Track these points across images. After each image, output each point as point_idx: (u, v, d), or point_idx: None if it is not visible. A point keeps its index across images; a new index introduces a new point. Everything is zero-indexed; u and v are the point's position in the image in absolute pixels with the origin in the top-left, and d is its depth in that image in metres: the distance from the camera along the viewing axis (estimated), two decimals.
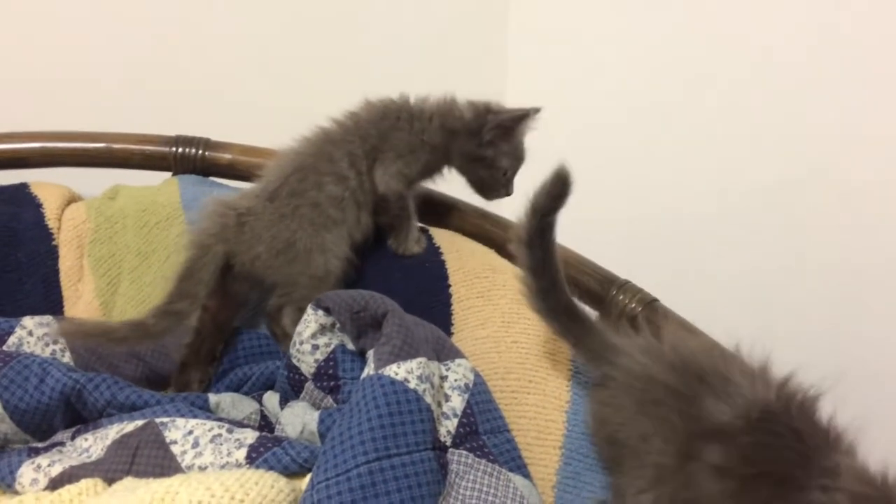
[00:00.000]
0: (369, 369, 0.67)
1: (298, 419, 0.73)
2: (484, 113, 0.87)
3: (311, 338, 0.75)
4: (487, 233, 0.95)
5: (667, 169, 1.24)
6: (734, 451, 0.59)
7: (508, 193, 0.90)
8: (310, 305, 0.75)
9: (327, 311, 0.75)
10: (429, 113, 0.88)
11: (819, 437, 0.60)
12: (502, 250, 0.92)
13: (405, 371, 0.65)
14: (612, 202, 1.26)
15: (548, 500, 0.69)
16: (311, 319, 0.75)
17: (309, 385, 0.75)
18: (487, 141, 0.87)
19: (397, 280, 0.88)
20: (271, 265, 0.82)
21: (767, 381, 0.64)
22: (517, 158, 0.89)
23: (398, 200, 0.88)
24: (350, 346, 0.75)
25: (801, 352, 1.00)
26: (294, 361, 0.76)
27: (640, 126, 1.27)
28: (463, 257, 0.88)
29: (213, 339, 0.85)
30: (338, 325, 0.75)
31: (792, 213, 1.08)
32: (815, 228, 1.06)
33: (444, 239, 0.91)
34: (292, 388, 0.77)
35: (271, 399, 0.79)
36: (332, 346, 0.76)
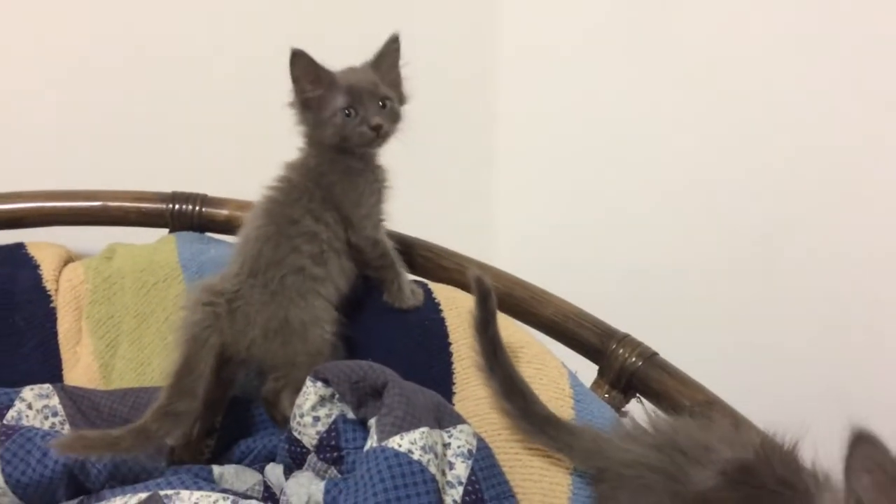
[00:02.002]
0: (372, 441, 0.67)
1: (304, 489, 0.73)
2: None
3: (311, 410, 0.75)
4: None
5: (666, 220, 1.25)
6: None
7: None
8: (308, 377, 0.76)
9: (326, 382, 0.75)
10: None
11: (806, 481, 0.60)
12: (503, 303, 0.92)
13: (409, 442, 0.65)
14: (611, 254, 1.28)
15: None
16: (311, 391, 0.75)
17: (312, 457, 0.75)
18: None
19: (396, 338, 0.88)
20: (267, 348, 0.80)
21: (746, 441, 0.65)
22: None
23: (374, 248, 0.87)
24: (350, 415, 0.75)
25: (802, 403, 1.01)
26: (295, 434, 0.76)
27: (638, 178, 1.29)
28: (463, 314, 0.88)
29: (208, 417, 0.83)
30: (337, 396, 0.75)
31: (792, 261, 1.09)
32: (817, 277, 1.07)
33: (444, 294, 0.92)
34: (294, 461, 0.77)
35: (274, 470, 0.79)
36: (333, 417, 0.76)
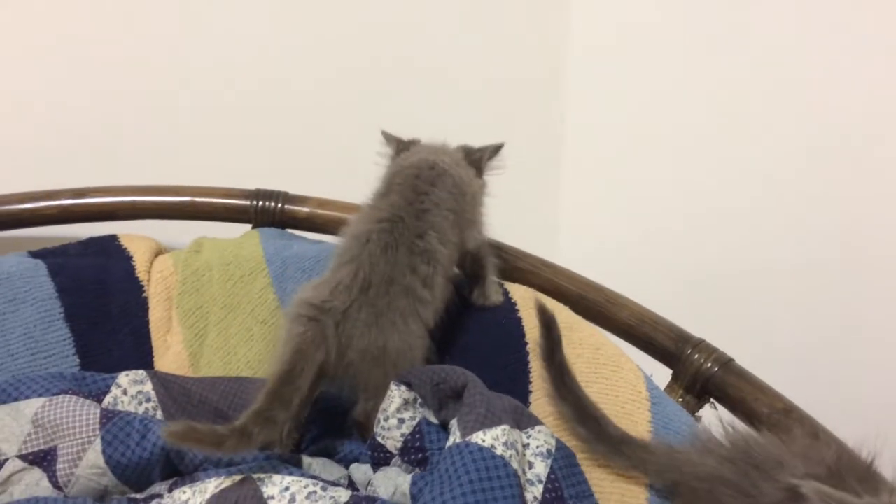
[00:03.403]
0: (455, 437, 0.69)
1: (391, 481, 0.75)
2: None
3: (396, 412, 0.77)
4: (559, 288, 0.97)
5: (740, 224, 1.25)
6: None
7: None
8: (392, 382, 0.77)
9: (409, 385, 0.77)
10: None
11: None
12: (577, 305, 0.94)
13: (491, 438, 0.67)
14: (683, 259, 1.28)
15: None
16: (395, 395, 0.77)
17: (396, 460, 0.77)
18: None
19: (474, 338, 0.90)
20: (361, 370, 0.79)
21: (821, 456, 0.63)
22: None
23: (481, 250, 0.89)
24: (433, 419, 0.77)
25: (884, 412, 1.00)
26: (379, 440, 0.78)
27: (710, 182, 1.29)
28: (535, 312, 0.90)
29: (297, 414, 0.81)
30: (419, 401, 0.77)
31: (873, 264, 1.08)
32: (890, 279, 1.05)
33: (520, 294, 0.93)
34: (378, 466, 0.78)
35: (359, 468, 0.80)
36: (417, 420, 0.77)
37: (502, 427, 0.68)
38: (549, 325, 0.77)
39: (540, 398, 0.84)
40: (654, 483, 0.73)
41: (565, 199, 1.52)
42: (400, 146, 0.92)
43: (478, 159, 0.92)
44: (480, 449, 0.66)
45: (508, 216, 1.24)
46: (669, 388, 0.88)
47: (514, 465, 0.66)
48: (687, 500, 0.69)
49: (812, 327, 1.18)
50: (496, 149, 0.93)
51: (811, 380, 0.97)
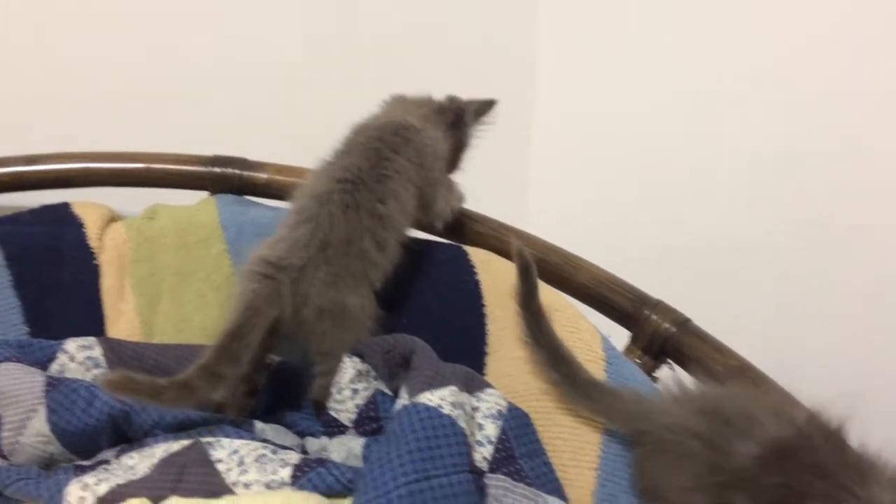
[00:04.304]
0: (403, 399, 0.69)
1: (344, 446, 0.74)
2: None
3: (349, 383, 0.76)
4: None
5: (701, 190, 1.24)
6: (760, 496, 0.59)
7: None
8: (344, 355, 0.77)
9: (361, 356, 0.76)
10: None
11: (849, 470, 0.58)
12: (537, 268, 0.93)
13: (438, 398, 0.66)
14: (648, 226, 1.27)
15: None
16: (348, 366, 0.76)
17: (350, 433, 0.76)
18: None
19: (431, 300, 0.89)
20: (316, 329, 0.78)
21: (791, 417, 0.63)
22: None
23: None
24: (386, 390, 0.77)
25: (835, 372, 1.00)
26: (332, 414, 0.77)
27: (676, 150, 1.28)
28: (498, 277, 0.89)
29: (251, 377, 0.82)
30: (373, 373, 0.77)
31: (830, 230, 1.08)
32: (856, 245, 1.05)
33: (479, 258, 0.92)
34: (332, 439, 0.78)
35: (313, 441, 0.79)
36: (371, 391, 0.77)
37: (450, 388, 0.67)
38: (526, 270, 0.77)
39: (496, 361, 0.83)
40: (620, 430, 0.73)
41: (534, 163, 1.51)
42: None
43: (457, 115, 0.90)
44: (427, 409, 0.65)
45: (477, 179, 1.23)
46: (628, 349, 0.88)
47: (462, 424, 0.66)
48: (651, 449, 0.68)
49: (777, 294, 1.18)
50: (484, 105, 0.91)
51: (773, 344, 0.97)
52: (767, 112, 1.15)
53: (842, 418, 0.64)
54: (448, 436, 0.64)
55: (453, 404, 0.66)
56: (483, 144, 1.44)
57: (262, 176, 1.05)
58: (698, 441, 0.63)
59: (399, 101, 0.94)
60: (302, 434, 0.80)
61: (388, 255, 0.82)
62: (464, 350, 0.84)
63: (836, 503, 0.57)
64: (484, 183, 1.29)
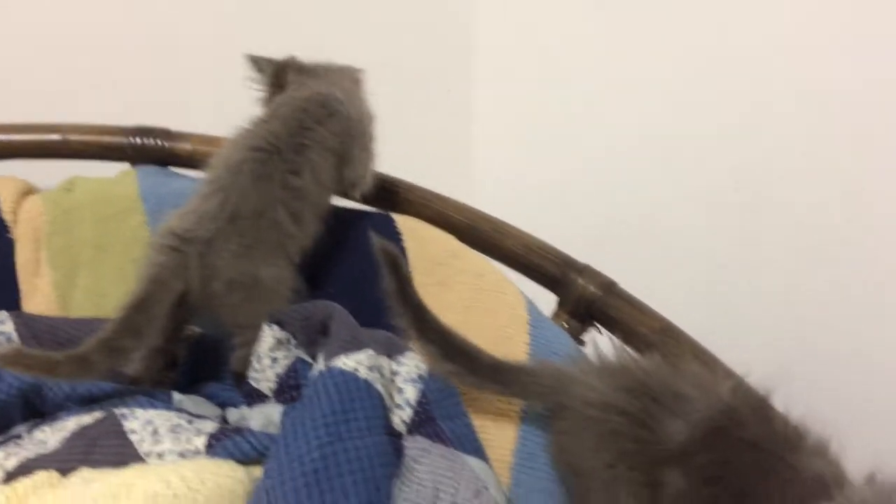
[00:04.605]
0: (319, 365, 0.68)
1: (263, 414, 0.73)
2: None
3: (269, 351, 0.75)
4: (448, 218, 0.95)
5: (640, 163, 1.25)
6: (693, 473, 0.58)
7: None
8: (263, 323, 0.75)
9: (280, 324, 0.75)
10: None
11: (777, 440, 0.59)
12: (466, 236, 0.93)
13: (354, 361, 0.66)
14: (590, 196, 1.28)
15: (504, 480, 0.70)
16: (267, 334, 0.75)
17: (271, 402, 0.75)
18: None
19: (357, 268, 0.88)
20: (228, 303, 0.76)
21: (717, 392, 0.62)
22: None
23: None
24: (306, 358, 0.76)
25: (760, 337, 1.02)
26: (253, 384, 0.76)
27: (614, 119, 1.28)
28: (424, 244, 0.89)
29: (168, 350, 0.80)
30: (293, 341, 0.75)
31: (756, 197, 1.09)
32: (794, 216, 1.07)
33: (406, 225, 0.92)
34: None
35: (234, 411, 0.78)
36: (291, 359, 0.75)
37: (366, 352, 0.67)
38: (394, 265, 0.71)
39: None
40: (534, 406, 0.72)
41: (477, 138, 1.50)
42: (277, 69, 0.88)
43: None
44: (342, 372, 0.64)
45: (418, 152, 1.22)
46: (556, 314, 0.88)
47: (379, 387, 0.65)
48: (574, 424, 0.66)
49: (708, 266, 1.19)
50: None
51: (703, 314, 0.97)
52: (701, 88, 1.16)
53: (767, 388, 0.64)
54: (363, 399, 0.63)
55: (370, 367, 0.66)
56: (426, 119, 1.43)
57: (186, 147, 1.02)
58: (624, 418, 0.62)
59: (326, 72, 0.92)
60: (223, 405, 0.79)
61: (305, 228, 0.81)
62: (390, 318, 0.83)
63: (767, 474, 0.57)
64: (427, 156, 1.29)
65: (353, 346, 0.67)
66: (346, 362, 0.65)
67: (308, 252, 0.82)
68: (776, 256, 1.10)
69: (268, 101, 0.89)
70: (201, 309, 0.77)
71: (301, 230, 0.80)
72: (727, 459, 0.58)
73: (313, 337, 0.74)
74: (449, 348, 0.69)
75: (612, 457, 0.62)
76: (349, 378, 0.64)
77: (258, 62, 0.89)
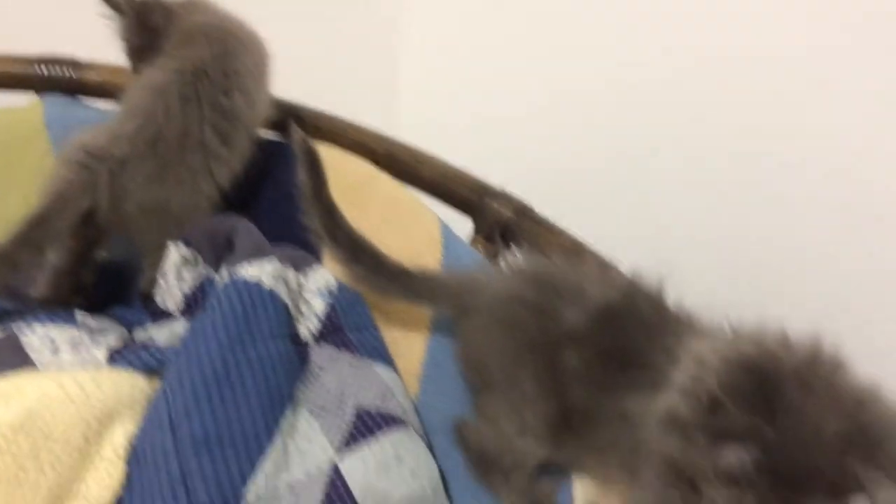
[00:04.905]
0: (223, 277, 0.67)
1: (168, 330, 0.72)
2: None
3: (175, 269, 0.73)
4: (366, 146, 0.95)
5: (570, 97, 1.24)
6: (589, 355, 0.61)
7: None
8: (170, 241, 0.74)
9: (187, 243, 0.74)
10: None
11: (669, 325, 0.61)
12: (384, 164, 0.92)
13: (257, 270, 0.65)
14: (517, 131, 1.28)
15: (413, 390, 0.71)
16: (173, 252, 0.74)
17: (178, 320, 0.74)
18: None
19: (271, 198, 0.87)
20: (140, 227, 0.75)
21: (615, 283, 0.66)
22: None
23: None
24: (214, 275, 0.74)
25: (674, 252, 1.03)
26: (160, 303, 0.74)
27: (541, 60, 1.27)
28: (338, 169, 0.87)
29: (75, 271, 0.79)
30: (200, 259, 0.74)
31: (668, 119, 1.09)
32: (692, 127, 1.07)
33: (321, 152, 0.90)
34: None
35: (141, 331, 0.76)
36: (200, 279, 0.74)
37: (270, 261, 0.66)
38: (311, 160, 0.71)
39: None
40: (441, 310, 0.73)
41: (404, 71, 1.48)
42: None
43: None
44: (245, 282, 0.64)
45: (344, 85, 1.20)
46: (473, 240, 0.89)
47: (283, 297, 0.65)
48: (479, 322, 0.68)
49: (639, 203, 1.20)
50: None
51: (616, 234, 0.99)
52: (622, 32, 1.16)
53: (660, 279, 0.66)
54: (267, 307, 0.63)
55: (274, 277, 0.65)
56: (352, 54, 1.41)
57: (95, 77, 0.99)
58: (527, 309, 0.65)
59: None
60: (130, 327, 0.78)
61: (236, 151, 0.80)
62: (307, 247, 0.82)
63: (659, 354, 0.59)
64: (354, 89, 1.27)
65: (256, 256, 0.67)
66: (249, 271, 0.65)
67: (239, 178, 0.82)
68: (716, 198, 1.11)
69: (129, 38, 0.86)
70: (111, 230, 0.75)
71: (230, 153, 0.79)
72: (620, 342, 0.61)
73: (220, 253, 0.73)
74: (357, 252, 0.70)
75: (517, 346, 0.64)
76: (252, 287, 0.64)
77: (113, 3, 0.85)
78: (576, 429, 0.60)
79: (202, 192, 0.78)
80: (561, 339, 0.62)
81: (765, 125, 0.97)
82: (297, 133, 0.71)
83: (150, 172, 0.74)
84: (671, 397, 0.52)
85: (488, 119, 1.34)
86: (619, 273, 0.73)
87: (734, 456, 0.46)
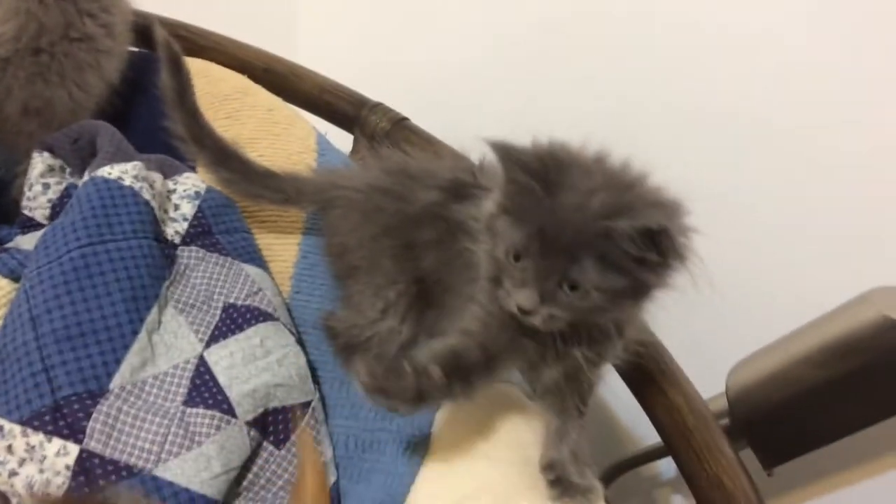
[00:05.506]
0: (84, 178, 0.67)
1: (35, 238, 0.71)
2: None
3: (40, 177, 0.72)
4: (244, 62, 0.94)
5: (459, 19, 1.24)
6: (440, 230, 0.63)
7: None
8: (34, 150, 0.73)
9: (51, 150, 0.73)
10: None
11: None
12: (262, 79, 0.92)
13: (119, 171, 0.65)
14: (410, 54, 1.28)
15: (286, 290, 0.73)
16: (38, 161, 0.73)
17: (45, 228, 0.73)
18: None
19: (141, 108, 0.86)
20: (20, 128, 0.74)
21: (466, 166, 0.69)
22: None
23: None
24: (79, 183, 0.74)
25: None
26: (26, 213, 0.73)
27: None
28: (213, 82, 0.87)
29: None
30: (68, 170, 0.73)
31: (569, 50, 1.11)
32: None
33: (196, 67, 0.89)
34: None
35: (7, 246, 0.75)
36: (65, 185, 0.74)
37: (133, 164, 0.66)
38: (175, 62, 0.71)
39: None
40: (308, 208, 0.75)
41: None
42: None
43: None
44: (105, 180, 0.64)
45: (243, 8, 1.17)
46: (353, 151, 0.90)
47: (146, 195, 0.65)
48: (342, 211, 0.70)
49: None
50: None
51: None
52: None
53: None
54: (128, 204, 0.63)
55: (136, 177, 0.65)
56: None
57: None
58: (386, 196, 0.67)
59: None
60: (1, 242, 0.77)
61: (119, 40, 0.79)
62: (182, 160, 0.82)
63: None
64: (252, 13, 1.24)
65: (117, 158, 0.66)
66: (109, 171, 0.65)
67: (125, 75, 0.81)
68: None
69: None
70: None
71: (115, 42, 0.78)
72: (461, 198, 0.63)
73: (86, 160, 0.72)
74: (223, 155, 0.71)
75: (376, 229, 0.66)
76: (112, 184, 0.64)
77: None
78: (431, 300, 0.63)
79: (90, 90, 0.77)
80: (415, 218, 0.65)
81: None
82: (160, 34, 0.70)
83: (33, 69, 0.73)
84: (488, 205, 0.56)
85: (379, 40, 1.34)
86: (469, 160, 0.75)
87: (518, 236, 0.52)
